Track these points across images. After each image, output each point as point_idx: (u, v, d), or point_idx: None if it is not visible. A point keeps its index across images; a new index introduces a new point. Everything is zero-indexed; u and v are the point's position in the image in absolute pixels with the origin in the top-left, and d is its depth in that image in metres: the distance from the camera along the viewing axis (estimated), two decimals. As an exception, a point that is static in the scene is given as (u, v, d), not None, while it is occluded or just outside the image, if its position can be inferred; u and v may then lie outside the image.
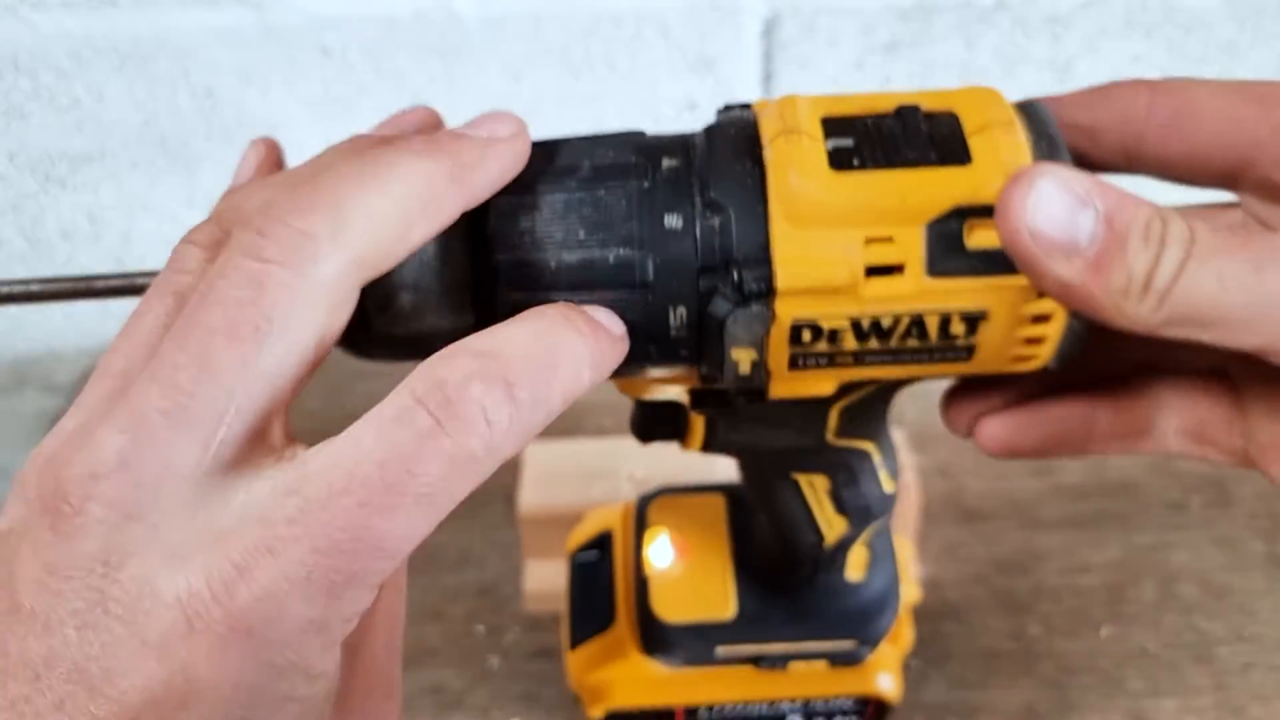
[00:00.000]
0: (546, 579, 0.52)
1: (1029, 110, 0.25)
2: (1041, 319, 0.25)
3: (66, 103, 0.64)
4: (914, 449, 0.59)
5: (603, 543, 0.46)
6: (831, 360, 0.26)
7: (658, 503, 0.45)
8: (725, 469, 0.53)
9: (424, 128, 0.28)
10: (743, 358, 0.26)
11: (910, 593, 0.44)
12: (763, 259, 0.24)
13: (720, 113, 0.27)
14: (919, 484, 0.54)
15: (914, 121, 0.25)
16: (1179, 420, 0.29)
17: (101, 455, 0.19)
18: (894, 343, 0.26)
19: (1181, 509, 0.57)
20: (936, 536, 0.56)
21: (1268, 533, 0.56)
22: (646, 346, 0.26)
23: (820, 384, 0.28)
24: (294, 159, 0.27)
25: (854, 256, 0.24)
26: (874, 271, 0.24)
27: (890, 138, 0.25)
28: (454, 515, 0.62)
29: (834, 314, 0.25)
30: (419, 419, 0.20)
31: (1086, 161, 0.28)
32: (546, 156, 0.26)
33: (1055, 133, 0.25)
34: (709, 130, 0.26)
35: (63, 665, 0.19)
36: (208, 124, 0.65)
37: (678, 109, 0.63)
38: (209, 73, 0.63)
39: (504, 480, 0.56)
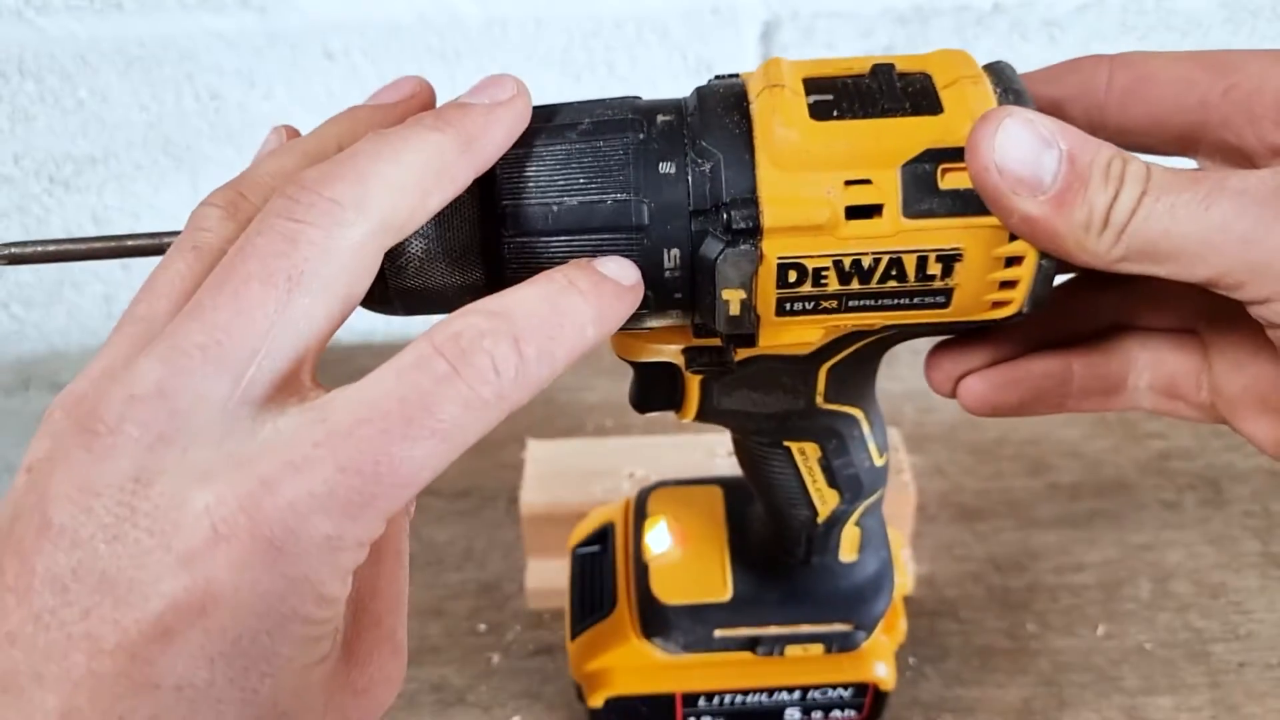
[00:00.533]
0: (548, 577, 0.53)
1: (996, 68, 0.27)
2: (1013, 261, 0.27)
3: (71, 105, 0.64)
4: (911, 449, 0.60)
5: (604, 535, 0.47)
6: (817, 305, 0.28)
7: (657, 494, 0.46)
8: (723, 467, 0.53)
9: (416, 95, 0.29)
10: (733, 298, 0.27)
11: (903, 583, 0.44)
12: (750, 200, 0.26)
13: (710, 81, 0.29)
14: (915, 483, 0.54)
15: (889, 78, 0.27)
16: (1150, 376, 0.31)
17: (140, 382, 0.21)
18: (874, 284, 0.27)
19: (1176, 508, 0.58)
20: (933, 535, 0.57)
21: (1262, 531, 0.56)
22: (643, 291, 0.27)
23: (807, 332, 0.29)
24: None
25: (835, 197, 0.26)
26: (854, 213, 0.26)
27: (867, 93, 0.26)
28: (457, 514, 0.63)
29: (817, 253, 0.26)
30: (437, 365, 0.22)
31: None
32: (548, 116, 0.28)
33: (1021, 86, 0.27)
34: (699, 91, 0.28)
35: (90, 577, 0.20)
36: (212, 127, 0.66)
37: (677, 111, 0.63)
38: (213, 76, 0.63)
39: (506, 479, 0.57)
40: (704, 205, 0.26)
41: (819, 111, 0.26)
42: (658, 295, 0.28)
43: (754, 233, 0.26)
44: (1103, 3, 0.60)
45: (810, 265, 0.27)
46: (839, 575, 0.41)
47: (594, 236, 0.26)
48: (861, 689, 0.43)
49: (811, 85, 0.27)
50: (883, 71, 0.27)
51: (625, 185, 0.26)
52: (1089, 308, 0.32)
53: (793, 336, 0.29)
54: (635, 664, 0.43)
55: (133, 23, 0.61)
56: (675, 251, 0.27)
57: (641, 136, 0.27)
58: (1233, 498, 0.58)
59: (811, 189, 0.26)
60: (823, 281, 0.27)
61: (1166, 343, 0.31)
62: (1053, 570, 0.55)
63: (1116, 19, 0.61)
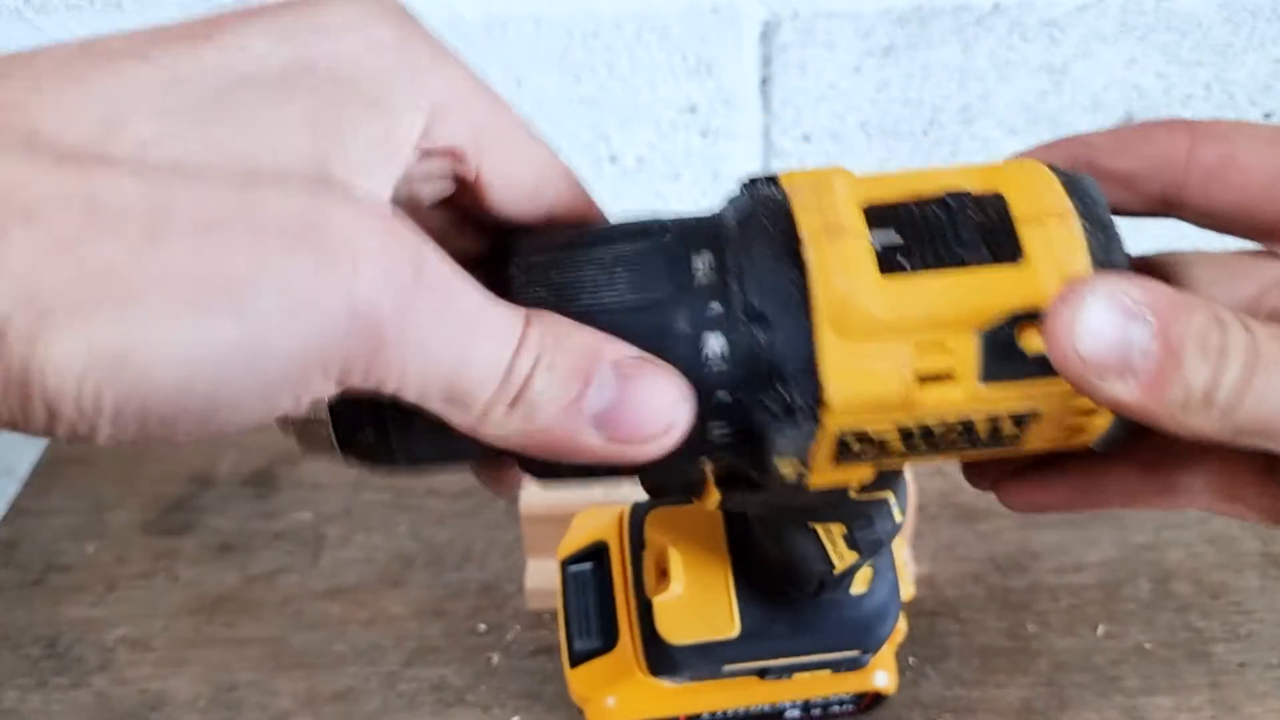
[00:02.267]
0: (548, 577, 0.53)
1: (1078, 191, 0.24)
2: (1092, 411, 0.25)
3: (71, 105, 0.64)
4: (912, 449, 0.60)
5: (597, 554, 0.44)
6: (876, 459, 0.26)
7: (653, 517, 0.43)
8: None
9: None
10: (786, 466, 0.25)
11: (905, 589, 0.44)
12: (809, 372, 0.23)
13: (746, 187, 0.25)
14: (915, 483, 0.54)
15: (962, 211, 0.24)
16: (1207, 478, 0.28)
17: None
18: (941, 442, 0.25)
19: (1177, 508, 0.58)
20: (933, 535, 0.57)
21: (1262, 531, 0.56)
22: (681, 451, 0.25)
23: (861, 474, 0.27)
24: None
25: (905, 368, 0.23)
26: (925, 379, 0.23)
27: (938, 230, 0.24)
28: (457, 514, 0.62)
29: (883, 424, 0.24)
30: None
31: (1124, 210, 0.27)
32: (563, 290, 0.24)
33: (1107, 217, 0.24)
34: (741, 224, 0.25)
35: None
36: (211, 126, 0.66)
37: (678, 111, 0.63)
38: (213, 76, 0.63)
39: (505, 480, 0.57)
40: (758, 373, 0.24)
41: (888, 263, 0.23)
42: (693, 451, 0.25)
43: (814, 408, 0.23)
44: (1103, 2, 0.60)
45: (875, 436, 0.24)
46: (849, 607, 0.39)
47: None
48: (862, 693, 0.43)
49: (874, 217, 0.24)
50: (954, 201, 0.24)
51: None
52: None
53: (845, 479, 0.27)
54: (640, 696, 0.42)
55: (132, 22, 0.60)
56: (723, 422, 0.24)
57: (688, 330, 0.23)
58: (1233, 498, 0.58)
59: (881, 361, 0.23)
60: (886, 445, 0.25)
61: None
62: (1053, 570, 0.55)
63: (1116, 19, 0.61)
